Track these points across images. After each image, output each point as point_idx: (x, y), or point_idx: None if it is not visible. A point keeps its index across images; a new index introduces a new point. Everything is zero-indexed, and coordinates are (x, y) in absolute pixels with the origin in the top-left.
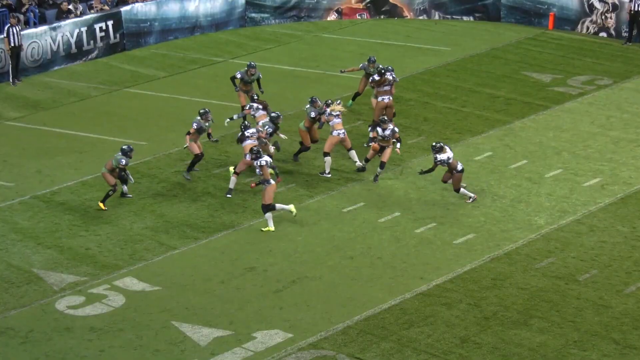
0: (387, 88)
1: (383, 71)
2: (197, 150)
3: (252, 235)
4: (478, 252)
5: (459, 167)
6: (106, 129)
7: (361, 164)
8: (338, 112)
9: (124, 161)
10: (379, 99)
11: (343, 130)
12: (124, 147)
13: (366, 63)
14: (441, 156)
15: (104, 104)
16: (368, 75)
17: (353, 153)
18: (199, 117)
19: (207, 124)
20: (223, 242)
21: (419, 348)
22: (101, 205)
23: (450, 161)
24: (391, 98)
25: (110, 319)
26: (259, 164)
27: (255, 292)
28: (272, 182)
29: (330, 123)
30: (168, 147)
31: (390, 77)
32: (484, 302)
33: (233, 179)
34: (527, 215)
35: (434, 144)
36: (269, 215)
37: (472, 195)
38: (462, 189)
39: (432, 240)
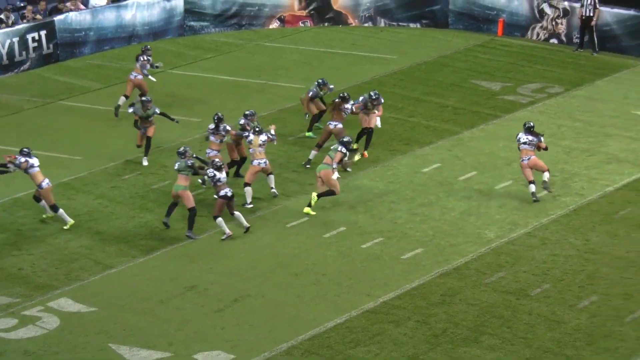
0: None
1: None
2: (138, 142)
3: (192, 252)
4: (426, 267)
5: (229, 193)
6: (40, 144)
7: (276, 192)
8: (262, 142)
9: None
10: (331, 125)
11: (264, 160)
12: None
13: (315, 89)
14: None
15: (37, 118)
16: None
17: (271, 178)
18: (138, 106)
19: (148, 111)
20: (162, 260)
21: None
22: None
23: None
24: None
25: (45, 342)
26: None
27: (195, 311)
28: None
29: (250, 150)
30: (104, 161)
31: (348, 106)
32: (433, 319)
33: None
34: (477, 229)
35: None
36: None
37: (227, 232)
38: (236, 215)
39: (379, 256)
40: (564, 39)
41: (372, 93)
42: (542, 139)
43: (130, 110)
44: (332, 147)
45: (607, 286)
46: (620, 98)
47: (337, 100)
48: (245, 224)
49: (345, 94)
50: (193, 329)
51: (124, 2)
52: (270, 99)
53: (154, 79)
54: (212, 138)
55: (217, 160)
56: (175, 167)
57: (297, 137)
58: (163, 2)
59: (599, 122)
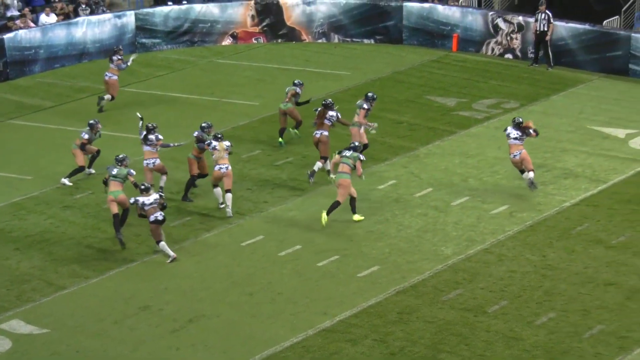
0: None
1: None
2: (81, 162)
3: (146, 272)
4: (383, 285)
5: (160, 217)
6: None
7: (231, 212)
8: (227, 147)
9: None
10: (317, 134)
11: (226, 165)
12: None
13: (295, 88)
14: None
15: None
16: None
17: (229, 196)
18: (88, 128)
19: (97, 134)
20: (115, 281)
21: None
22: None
23: None
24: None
25: None
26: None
27: (150, 332)
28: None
29: (213, 157)
30: (56, 181)
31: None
32: (390, 338)
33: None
34: (433, 246)
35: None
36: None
37: (172, 255)
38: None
39: (335, 274)
40: (518, 54)
41: (370, 94)
42: (531, 132)
43: (84, 135)
44: (345, 154)
45: (565, 302)
46: (575, 113)
47: (320, 109)
48: (171, 254)
49: (329, 101)
50: (148, 349)
51: (75, 20)
52: (224, 116)
53: (133, 58)
54: (146, 148)
55: (146, 183)
56: (113, 173)
57: (250, 154)
58: (114, 19)
59: (555, 137)
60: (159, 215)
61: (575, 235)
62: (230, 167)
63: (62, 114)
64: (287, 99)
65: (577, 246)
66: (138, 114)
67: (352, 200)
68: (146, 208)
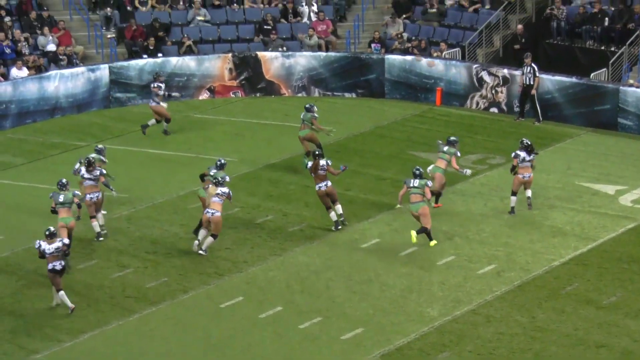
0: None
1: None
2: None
3: (121, 335)
4: (367, 347)
5: (58, 266)
6: None
7: (203, 252)
8: (220, 193)
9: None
10: (322, 187)
11: (214, 211)
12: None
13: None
14: None
15: None
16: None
17: (209, 240)
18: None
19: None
20: (90, 344)
21: None
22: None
23: None
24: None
25: None
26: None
27: None
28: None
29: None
30: (27, 240)
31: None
32: None
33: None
34: (419, 306)
35: None
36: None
37: (70, 305)
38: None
39: (317, 336)
40: (504, 107)
41: (453, 138)
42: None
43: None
44: (413, 185)
45: None
46: (563, 168)
47: (312, 162)
48: (70, 305)
49: (317, 151)
50: None
51: (47, 74)
52: (200, 172)
53: (165, 105)
54: (86, 182)
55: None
56: (61, 200)
57: (228, 212)
58: (87, 73)
59: (543, 193)
60: (57, 264)
61: (565, 295)
62: (218, 214)
63: (34, 171)
64: (304, 127)
65: (567, 307)
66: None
67: (427, 229)
68: (47, 255)
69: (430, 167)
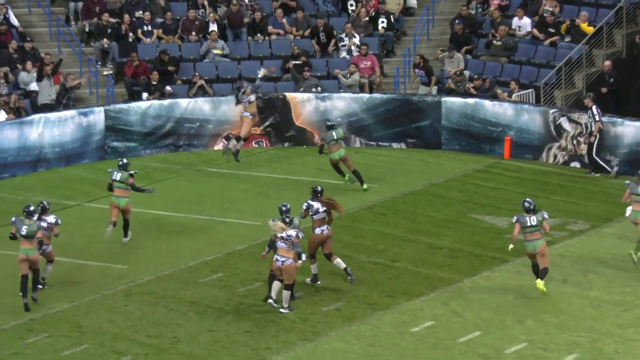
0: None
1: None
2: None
3: None
4: None
5: None
6: None
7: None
8: (283, 236)
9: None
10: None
11: (285, 259)
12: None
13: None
14: None
15: None
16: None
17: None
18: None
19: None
20: None
21: None
22: None
23: None
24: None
25: None
26: None
27: None
28: None
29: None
30: (4, 319)
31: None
32: None
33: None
34: None
35: None
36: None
37: None
38: None
39: None
40: (587, 162)
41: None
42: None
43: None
44: (533, 224)
45: None
46: None
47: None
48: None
49: (319, 187)
50: None
51: (29, 118)
52: (217, 239)
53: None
54: (43, 232)
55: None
56: (23, 233)
57: (250, 287)
58: (78, 117)
59: (636, 267)
60: None
61: None
62: (290, 261)
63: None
64: (338, 146)
65: None
66: None
67: (538, 267)
68: None
69: (628, 211)
